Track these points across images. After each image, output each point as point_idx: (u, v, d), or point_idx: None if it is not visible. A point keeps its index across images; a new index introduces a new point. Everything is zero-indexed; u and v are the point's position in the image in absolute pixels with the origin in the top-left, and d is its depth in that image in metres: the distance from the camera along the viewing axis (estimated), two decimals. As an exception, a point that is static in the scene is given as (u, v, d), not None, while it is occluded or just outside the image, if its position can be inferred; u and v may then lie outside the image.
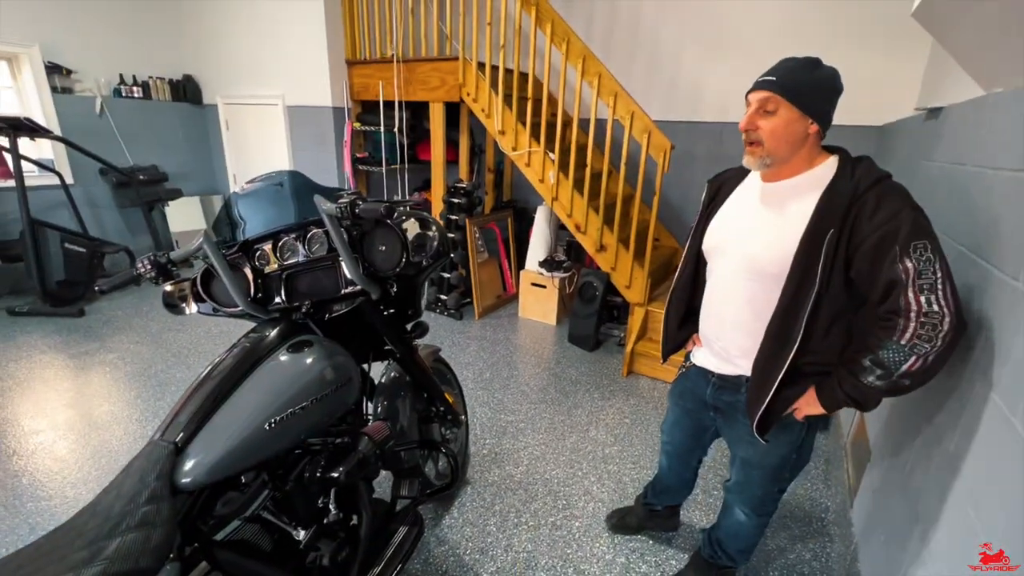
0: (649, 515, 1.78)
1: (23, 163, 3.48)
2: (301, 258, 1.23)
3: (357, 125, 3.99)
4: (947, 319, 0.89)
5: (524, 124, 3.16)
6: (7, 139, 3.38)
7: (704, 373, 1.32)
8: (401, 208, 1.24)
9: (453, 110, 3.64)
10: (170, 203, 4.58)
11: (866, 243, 0.95)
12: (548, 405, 2.62)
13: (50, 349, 3.07)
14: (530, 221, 3.84)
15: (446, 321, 3.68)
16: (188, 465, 0.88)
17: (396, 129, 3.80)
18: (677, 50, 3.50)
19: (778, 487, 1.32)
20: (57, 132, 3.85)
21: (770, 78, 1.03)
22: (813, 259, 1.00)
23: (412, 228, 1.23)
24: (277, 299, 1.25)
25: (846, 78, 1.05)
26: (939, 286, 0.89)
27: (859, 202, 0.97)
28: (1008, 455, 0.85)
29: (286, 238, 1.24)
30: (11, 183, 3.47)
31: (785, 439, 1.19)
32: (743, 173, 1.23)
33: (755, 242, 1.12)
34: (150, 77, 4.52)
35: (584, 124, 3.11)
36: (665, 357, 1.46)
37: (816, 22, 3.01)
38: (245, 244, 1.24)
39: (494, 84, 3.20)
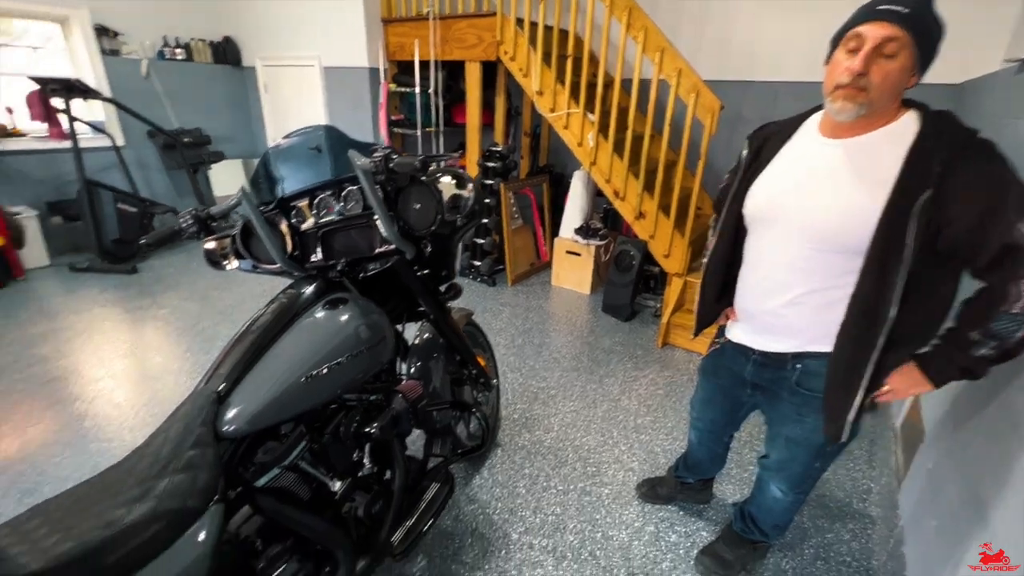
0: (680, 487, 1.76)
1: (76, 125, 3.60)
2: (336, 215, 1.22)
3: (393, 86, 3.93)
4: None
5: (563, 84, 3.03)
6: (62, 101, 3.50)
7: (743, 350, 1.24)
8: (436, 164, 1.20)
9: (490, 71, 3.53)
10: (213, 166, 4.69)
11: (970, 208, 0.85)
12: (580, 373, 2.61)
13: (107, 304, 3.25)
14: (566, 187, 3.74)
15: (479, 287, 3.68)
16: (230, 414, 0.91)
17: (432, 91, 3.72)
18: (729, 4, 3.25)
19: (820, 464, 1.25)
20: (107, 94, 3.96)
21: (900, 9, 0.83)
22: (901, 227, 0.88)
23: (447, 186, 1.20)
24: (314, 257, 1.26)
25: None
26: None
27: (954, 161, 0.86)
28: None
29: (322, 195, 1.23)
30: (67, 144, 3.62)
31: None
32: (789, 127, 1.10)
33: (821, 208, 0.99)
34: (192, 39, 4.56)
35: (627, 85, 2.96)
36: (698, 331, 1.39)
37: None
38: (282, 201, 1.24)
39: (532, 41, 3.06)
